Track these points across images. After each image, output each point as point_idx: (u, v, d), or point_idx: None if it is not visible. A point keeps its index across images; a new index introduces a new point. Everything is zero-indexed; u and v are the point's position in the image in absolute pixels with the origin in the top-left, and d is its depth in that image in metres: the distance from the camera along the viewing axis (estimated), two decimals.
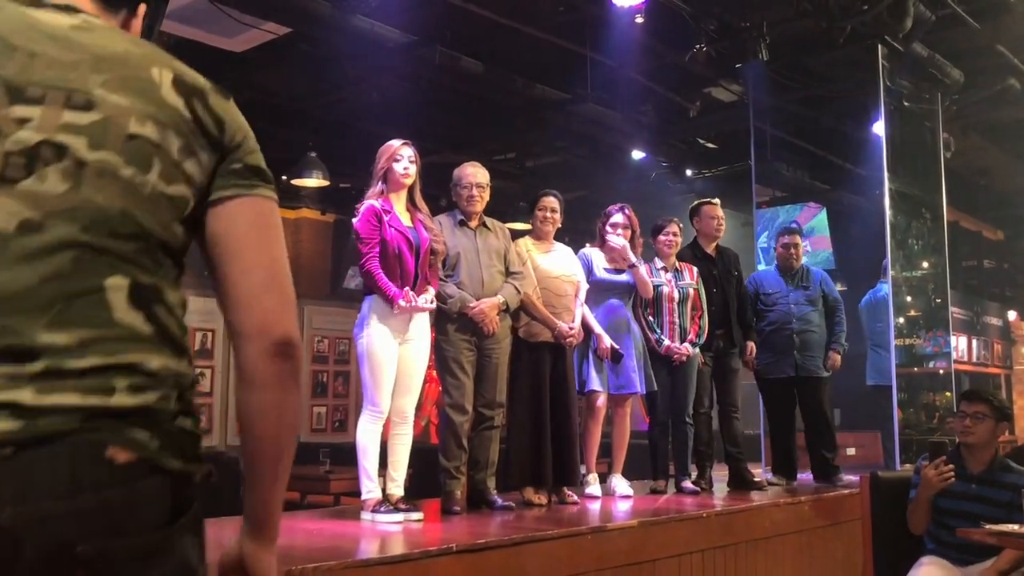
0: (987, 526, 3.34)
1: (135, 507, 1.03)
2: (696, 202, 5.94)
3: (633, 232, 5.14)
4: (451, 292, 4.31)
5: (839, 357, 5.93)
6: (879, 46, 7.11)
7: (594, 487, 4.98)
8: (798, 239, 6.04)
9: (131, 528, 1.02)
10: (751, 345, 5.76)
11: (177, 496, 1.07)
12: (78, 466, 0.99)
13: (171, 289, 1.16)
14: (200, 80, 1.24)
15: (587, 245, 5.27)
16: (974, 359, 12.53)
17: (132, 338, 1.08)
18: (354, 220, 4.04)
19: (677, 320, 5.29)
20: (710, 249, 5.76)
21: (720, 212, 5.77)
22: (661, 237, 5.41)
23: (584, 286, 4.91)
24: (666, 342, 5.21)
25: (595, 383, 4.92)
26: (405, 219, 4.08)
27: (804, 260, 6.19)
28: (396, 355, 3.97)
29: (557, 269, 4.80)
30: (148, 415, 1.06)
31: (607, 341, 4.86)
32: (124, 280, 1.08)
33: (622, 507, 4.65)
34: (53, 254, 1.04)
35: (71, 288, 1.04)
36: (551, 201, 4.88)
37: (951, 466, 3.62)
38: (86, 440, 1.00)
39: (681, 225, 5.53)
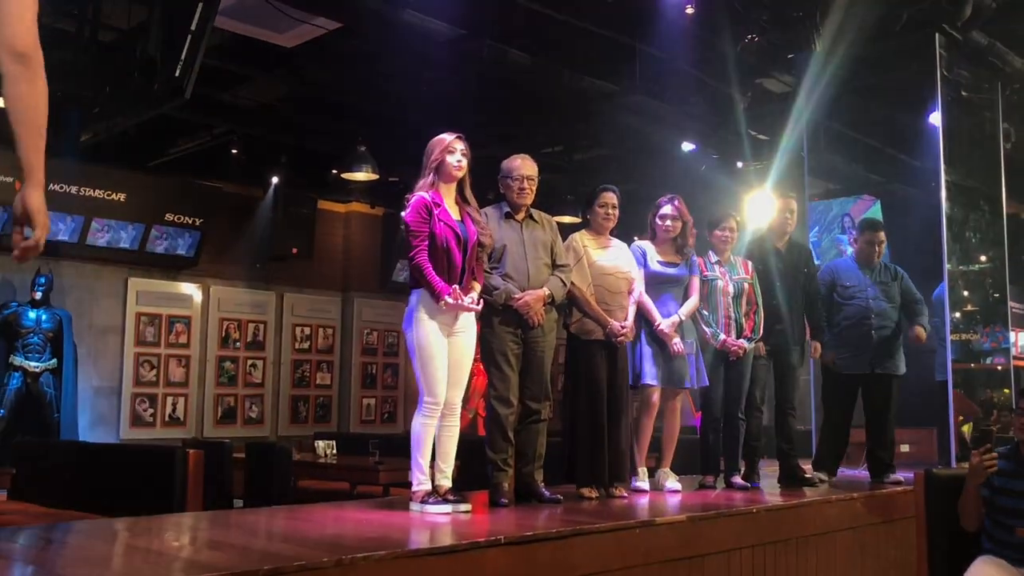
0: None
1: None
2: (772, 195, 5.84)
3: (684, 223, 5.09)
4: (496, 284, 4.31)
5: (924, 331, 5.76)
6: (936, 35, 6.95)
7: (643, 481, 4.96)
8: (882, 235, 5.88)
9: None
10: (816, 345, 5.66)
11: None
12: None
13: None
14: None
15: (636, 238, 5.22)
16: None
17: None
18: (403, 212, 4.05)
19: (732, 315, 5.23)
20: (780, 244, 5.66)
21: (795, 206, 5.67)
22: (717, 232, 5.34)
23: (640, 282, 4.88)
24: (722, 336, 5.16)
25: (649, 377, 4.89)
26: (454, 212, 4.09)
27: None
28: (446, 347, 3.98)
29: (612, 265, 4.77)
30: None
31: (665, 325, 4.83)
32: None
33: (671, 502, 4.61)
34: None
35: None
36: (611, 197, 4.85)
37: (995, 453, 3.55)
38: None
39: (739, 219, 5.45)
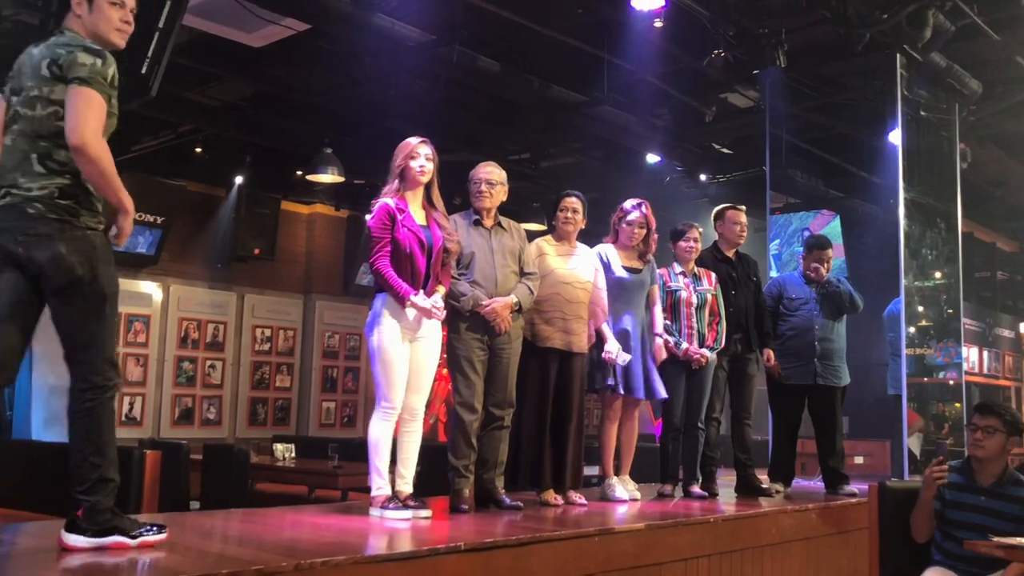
0: (995, 539, 3.34)
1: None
2: (721, 206, 5.91)
3: (648, 229, 5.12)
4: (464, 290, 4.32)
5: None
6: (897, 55, 7.09)
7: (608, 487, 4.99)
8: (830, 252, 5.96)
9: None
10: (768, 352, 5.75)
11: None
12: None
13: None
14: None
15: (603, 240, 5.23)
16: (985, 371, 12.47)
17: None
18: (368, 217, 4.06)
19: (695, 325, 5.28)
20: (730, 253, 5.75)
21: (744, 219, 5.75)
22: (681, 243, 5.39)
23: (602, 291, 4.90)
24: (684, 345, 5.21)
25: (612, 384, 4.91)
26: (420, 218, 4.09)
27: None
28: (407, 352, 3.98)
29: (572, 275, 4.76)
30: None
31: (613, 353, 4.84)
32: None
33: (630, 510, 4.65)
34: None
35: None
36: (574, 202, 4.86)
37: (945, 466, 3.63)
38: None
39: (701, 230, 5.51)
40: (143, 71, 5.25)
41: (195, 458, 6.49)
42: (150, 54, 5.25)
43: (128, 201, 2.85)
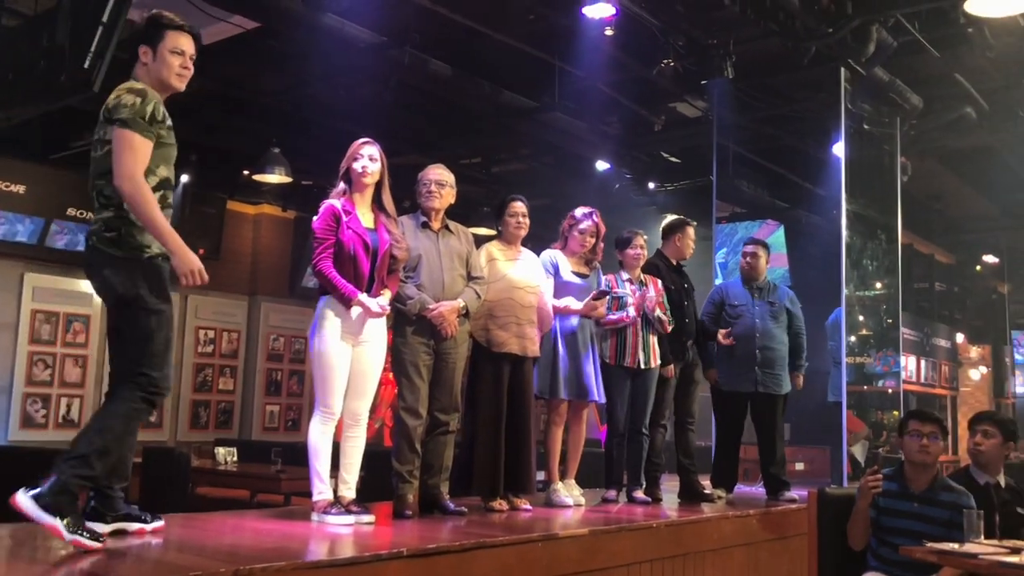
0: (929, 544, 3.41)
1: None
2: (678, 219, 5.96)
3: (598, 237, 5.15)
4: (411, 293, 4.29)
5: (801, 378, 5.99)
6: (842, 69, 7.24)
7: (553, 493, 5.00)
8: (759, 251, 6.03)
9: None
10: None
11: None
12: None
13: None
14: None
15: (551, 246, 5.25)
16: (922, 379, 12.78)
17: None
18: (314, 218, 4.02)
19: (640, 332, 5.31)
20: (675, 262, 5.80)
21: (692, 233, 5.83)
22: (629, 251, 5.43)
23: (548, 292, 4.92)
24: (630, 301, 5.23)
25: (561, 390, 4.93)
26: (367, 220, 4.05)
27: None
28: (349, 357, 3.94)
29: (523, 279, 4.77)
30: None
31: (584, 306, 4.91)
32: None
33: (574, 515, 4.66)
34: None
35: None
36: (520, 206, 4.87)
37: (879, 476, 3.71)
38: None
39: (646, 238, 5.55)
40: (86, 66, 5.14)
41: (135, 461, 6.33)
42: (93, 49, 5.14)
43: (170, 241, 3.09)
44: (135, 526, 3.28)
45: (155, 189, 3.19)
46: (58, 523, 2.83)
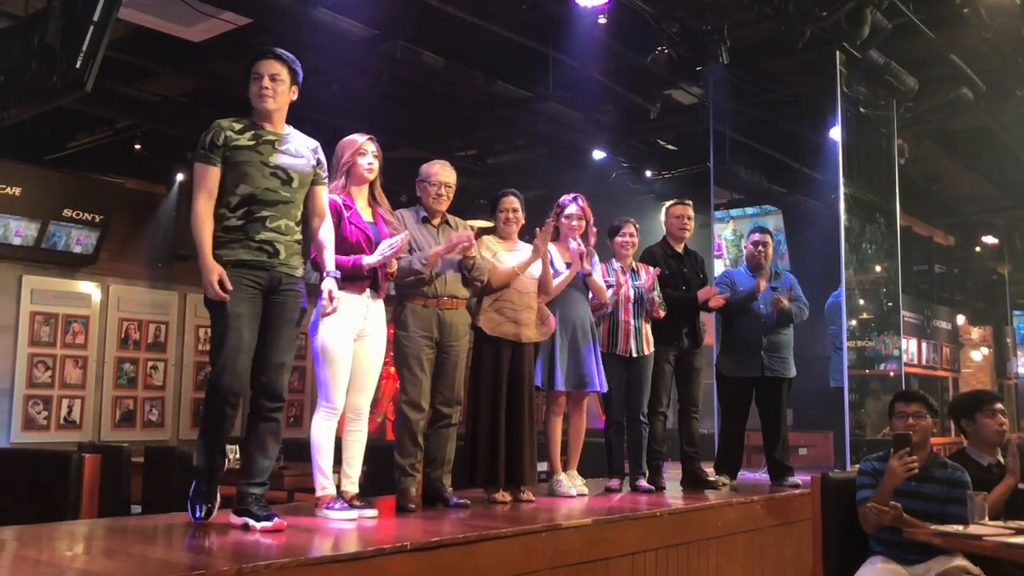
0: (932, 527, 3.41)
1: None
2: (670, 202, 5.97)
3: (587, 223, 5.11)
4: (413, 260, 4.25)
5: (785, 302, 5.86)
6: (837, 52, 7.21)
7: (555, 483, 5.00)
8: (768, 238, 6.08)
9: None
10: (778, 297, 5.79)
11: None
12: None
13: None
14: None
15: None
16: (923, 362, 12.76)
17: None
18: None
19: (632, 320, 5.30)
20: (679, 248, 5.79)
21: (687, 212, 5.78)
22: (618, 238, 5.43)
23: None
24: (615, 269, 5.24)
25: (559, 380, 4.92)
26: (366, 214, 4.06)
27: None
28: (351, 352, 3.94)
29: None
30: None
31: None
32: None
33: (577, 506, 4.66)
34: None
35: None
36: (512, 201, 4.87)
37: (914, 457, 3.67)
38: None
39: (637, 226, 5.54)
40: (77, 66, 5.12)
41: (137, 461, 6.36)
42: (84, 48, 5.12)
43: (203, 263, 3.41)
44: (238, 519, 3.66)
45: (238, 206, 3.50)
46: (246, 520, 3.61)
